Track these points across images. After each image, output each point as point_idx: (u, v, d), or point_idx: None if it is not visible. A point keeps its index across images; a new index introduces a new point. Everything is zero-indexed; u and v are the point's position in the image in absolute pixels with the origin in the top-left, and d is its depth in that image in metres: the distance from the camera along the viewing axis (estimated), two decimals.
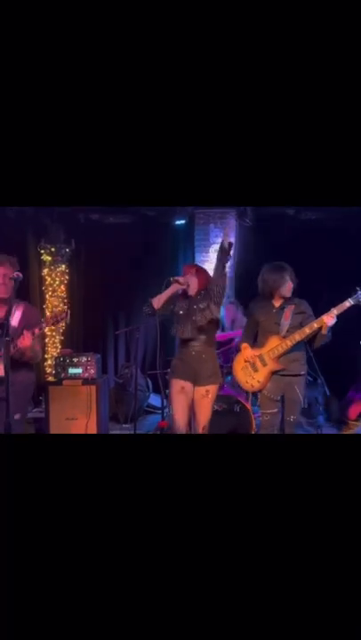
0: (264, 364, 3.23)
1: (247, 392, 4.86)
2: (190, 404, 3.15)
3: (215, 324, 3.17)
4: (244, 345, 3.36)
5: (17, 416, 2.85)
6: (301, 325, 3.13)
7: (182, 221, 6.05)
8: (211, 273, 3.22)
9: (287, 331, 3.17)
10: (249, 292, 5.77)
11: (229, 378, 4.60)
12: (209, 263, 3.19)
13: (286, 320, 3.19)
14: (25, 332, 2.79)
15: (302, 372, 3.26)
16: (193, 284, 3.17)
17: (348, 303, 2.97)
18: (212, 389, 3.14)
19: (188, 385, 3.14)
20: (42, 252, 5.86)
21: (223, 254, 3.07)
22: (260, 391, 3.31)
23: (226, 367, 4.70)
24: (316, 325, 3.03)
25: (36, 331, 2.83)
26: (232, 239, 3.29)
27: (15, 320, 2.88)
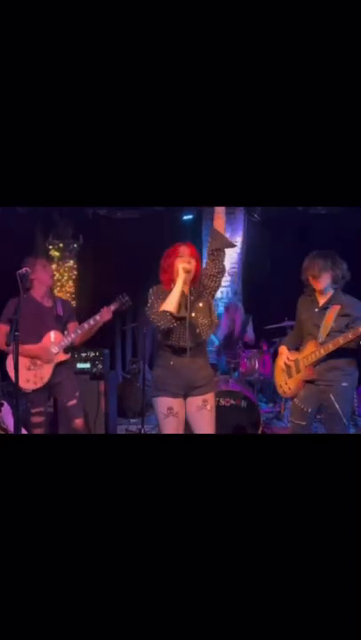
0: (298, 371, 2.89)
1: (253, 387, 4.89)
2: (183, 423, 2.61)
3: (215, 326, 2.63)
4: (282, 348, 3.07)
5: (72, 402, 3.29)
6: (346, 331, 2.66)
7: (190, 216, 6.05)
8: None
9: (328, 335, 2.72)
10: (256, 287, 5.78)
11: (236, 374, 4.62)
12: None
13: (328, 322, 2.72)
14: (68, 325, 3.28)
15: (343, 383, 2.73)
16: (192, 271, 2.57)
17: None
18: (209, 398, 2.60)
19: (176, 403, 2.56)
20: (50, 247, 5.90)
21: (217, 247, 2.55)
22: (292, 398, 2.99)
23: (233, 363, 4.72)
24: (351, 336, 2.59)
25: (76, 326, 3.27)
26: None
27: (60, 312, 3.33)
